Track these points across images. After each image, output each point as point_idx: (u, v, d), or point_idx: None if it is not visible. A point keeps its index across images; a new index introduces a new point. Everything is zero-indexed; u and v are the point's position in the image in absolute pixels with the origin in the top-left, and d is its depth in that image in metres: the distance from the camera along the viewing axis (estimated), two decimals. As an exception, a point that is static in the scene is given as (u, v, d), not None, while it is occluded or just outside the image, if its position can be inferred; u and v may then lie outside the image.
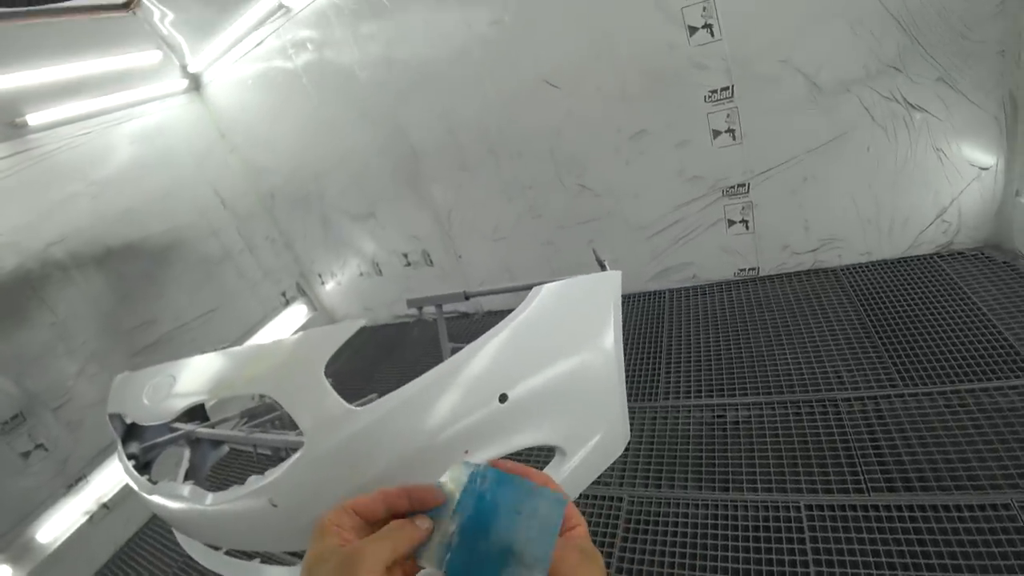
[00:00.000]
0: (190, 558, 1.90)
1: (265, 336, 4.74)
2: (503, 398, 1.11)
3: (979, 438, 1.98)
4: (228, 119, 4.62)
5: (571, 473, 1.24)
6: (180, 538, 1.93)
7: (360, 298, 5.13)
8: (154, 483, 1.75)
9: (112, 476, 3.47)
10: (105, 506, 3.40)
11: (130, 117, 4.00)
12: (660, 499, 2.20)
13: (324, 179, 4.43)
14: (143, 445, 2.06)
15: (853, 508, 1.90)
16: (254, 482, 1.26)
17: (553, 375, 1.21)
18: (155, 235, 4.04)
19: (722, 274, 3.49)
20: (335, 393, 1.14)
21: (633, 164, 3.27)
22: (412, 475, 1.13)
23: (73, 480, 3.32)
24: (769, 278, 3.34)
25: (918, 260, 3.00)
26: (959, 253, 2.93)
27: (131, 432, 2.04)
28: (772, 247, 3.27)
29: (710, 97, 2.94)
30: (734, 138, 3.01)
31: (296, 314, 5.15)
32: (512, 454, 1.16)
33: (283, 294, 5.07)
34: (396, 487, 0.62)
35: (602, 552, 2.07)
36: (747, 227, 3.24)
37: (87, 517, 3.33)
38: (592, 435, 1.30)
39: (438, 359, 2.19)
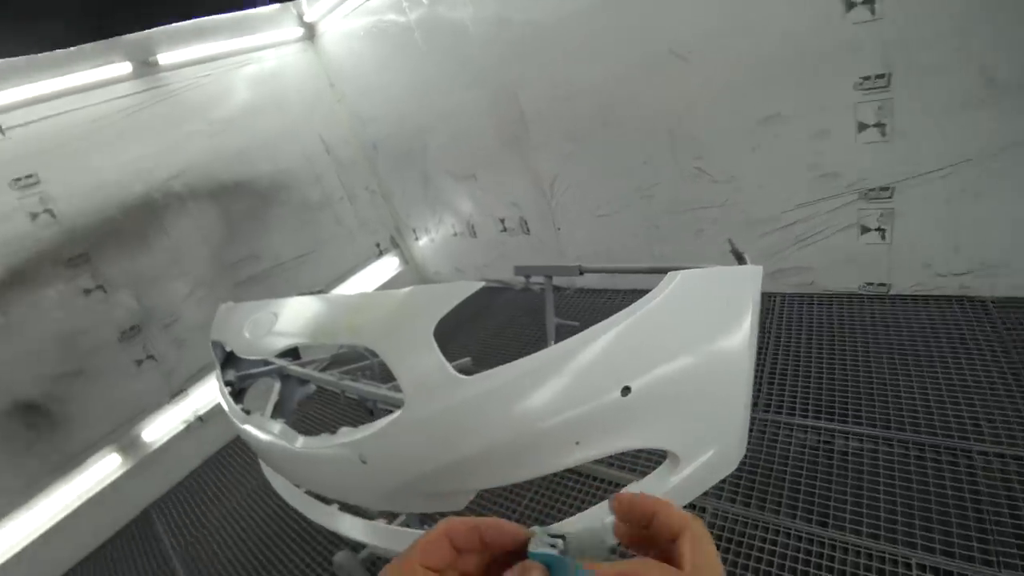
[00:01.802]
0: (269, 485, 1.97)
1: (356, 285, 4.88)
2: (626, 391, 0.99)
3: None
4: (338, 69, 4.68)
5: (679, 484, 1.11)
6: (264, 467, 2.00)
7: (451, 258, 5.14)
8: (247, 413, 1.80)
9: (207, 394, 3.77)
10: (200, 419, 3.70)
11: (248, 62, 4.19)
12: (747, 519, 2.02)
13: (427, 135, 4.41)
14: (239, 373, 2.14)
15: (976, 579, 1.66)
16: (346, 434, 1.24)
17: (681, 373, 1.07)
18: (263, 176, 4.24)
19: (845, 285, 3.13)
20: (443, 357, 1.07)
21: (760, 151, 2.97)
22: (514, 458, 1.05)
23: (176, 391, 3.67)
24: (901, 297, 2.96)
25: (1096, 302, 2.55)
26: None
27: (229, 359, 2.13)
28: (910, 263, 2.88)
29: (861, 84, 2.57)
30: (883, 134, 2.63)
31: (387, 266, 5.26)
32: (622, 454, 1.05)
33: (377, 245, 5.18)
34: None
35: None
36: (883, 237, 2.87)
37: (184, 426, 3.68)
38: (709, 446, 1.15)
39: (526, 329, 2.11)
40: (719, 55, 2.86)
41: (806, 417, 2.39)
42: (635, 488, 1.13)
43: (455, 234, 4.88)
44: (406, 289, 1.23)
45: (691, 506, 2.12)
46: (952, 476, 1.97)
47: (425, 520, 1.97)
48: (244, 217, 4.11)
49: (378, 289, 5.00)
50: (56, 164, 3.20)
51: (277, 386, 2.22)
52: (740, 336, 1.19)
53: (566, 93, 3.43)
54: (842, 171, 2.82)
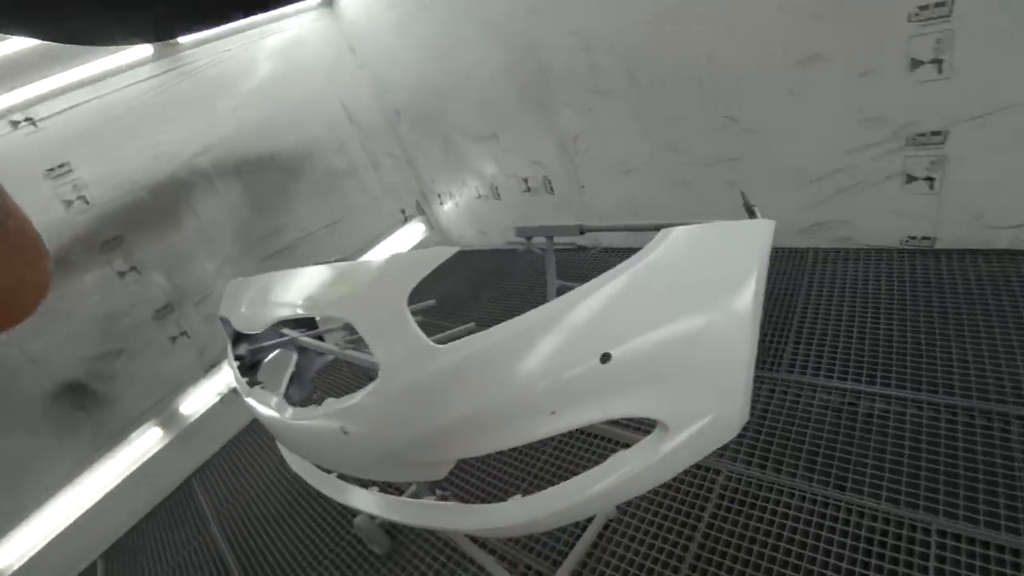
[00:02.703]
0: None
1: (382, 252, 4.92)
2: (605, 357, 0.96)
3: None
4: (358, 34, 4.57)
5: (670, 453, 1.08)
6: (277, 440, 2.07)
7: (476, 221, 5.10)
8: (252, 385, 1.87)
9: (240, 367, 3.93)
10: (233, 391, 3.87)
11: (270, 32, 4.16)
12: (762, 481, 1.99)
13: (448, 97, 4.30)
14: (252, 347, 2.19)
15: (1000, 548, 1.57)
16: (329, 405, 1.26)
17: (670, 338, 1.02)
18: (287, 147, 4.26)
19: (886, 240, 2.94)
20: (416, 326, 1.05)
21: (798, 96, 2.76)
22: (490, 428, 1.04)
23: (209, 366, 3.84)
24: (947, 252, 2.76)
25: None
26: None
27: (242, 334, 2.18)
28: (960, 215, 2.66)
29: (917, 15, 2.32)
30: (940, 71, 2.39)
31: (414, 232, 5.28)
32: (608, 422, 1.03)
33: (402, 211, 5.19)
34: None
35: (686, 524, 1.96)
36: (931, 186, 2.65)
37: (219, 398, 3.86)
38: (704, 413, 1.10)
39: (544, 296, 2.07)
40: (754, -10, 2.63)
41: (831, 378, 2.30)
42: (623, 457, 1.11)
43: (479, 197, 4.82)
44: (382, 258, 1.22)
45: (703, 468, 2.11)
46: (985, 441, 1.87)
47: (434, 488, 2.02)
48: (270, 190, 4.15)
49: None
50: (86, 151, 3.28)
51: (294, 357, 2.27)
52: (743, 297, 1.12)
53: (587, 45, 3.26)
54: (889, 115, 2.60)
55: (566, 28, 3.28)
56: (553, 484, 1.12)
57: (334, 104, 4.58)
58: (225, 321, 2.12)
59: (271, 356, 2.40)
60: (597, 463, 1.10)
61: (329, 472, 1.80)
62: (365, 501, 1.60)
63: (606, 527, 2.04)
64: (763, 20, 2.67)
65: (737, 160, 3.13)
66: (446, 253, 1.10)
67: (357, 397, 1.16)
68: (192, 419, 3.72)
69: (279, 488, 3.11)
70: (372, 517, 2.35)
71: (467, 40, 3.82)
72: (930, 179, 2.64)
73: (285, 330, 2.14)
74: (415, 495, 2.16)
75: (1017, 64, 2.23)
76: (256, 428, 3.79)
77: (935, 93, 2.44)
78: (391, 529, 2.42)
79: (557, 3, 3.25)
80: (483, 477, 2.50)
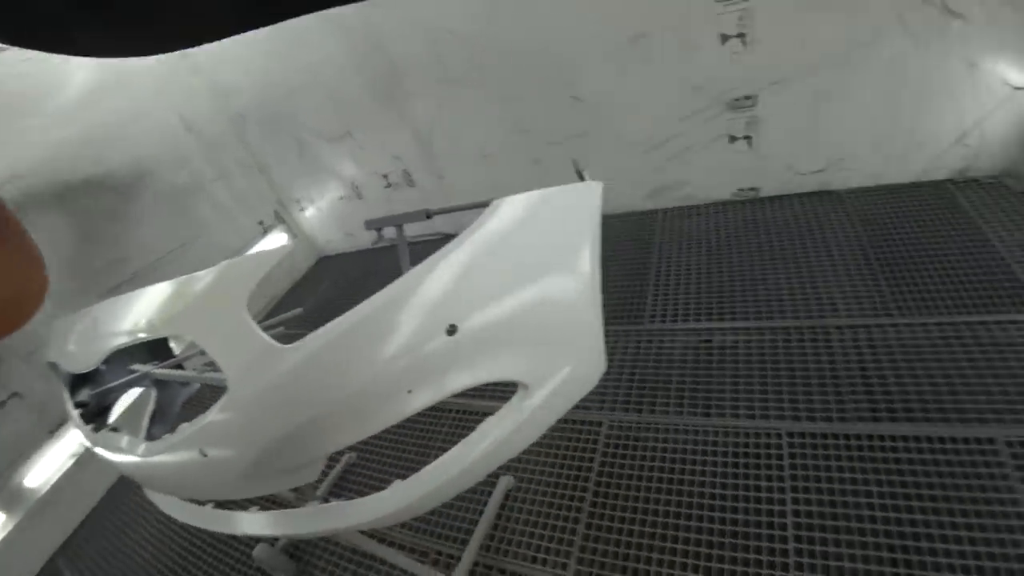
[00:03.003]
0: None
1: None
2: (451, 330, 0.99)
3: (971, 371, 1.91)
4: None
5: (535, 411, 1.15)
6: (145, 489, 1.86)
7: (341, 223, 4.92)
8: (96, 431, 1.68)
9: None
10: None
11: None
12: (640, 424, 2.16)
13: (296, 97, 4.08)
14: (96, 391, 1.95)
15: (835, 436, 1.86)
16: (183, 430, 1.17)
17: (514, 303, 1.07)
18: (118, 168, 3.76)
19: (720, 194, 3.31)
20: (259, 330, 1.02)
21: (630, 72, 3.00)
22: (350, 418, 1.03)
23: (55, 426, 3.23)
24: (770, 199, 3.17)
25: (930, 186, 2.82)
26: (975, 180, 2.74)
27: (84, 377, 1.93)
28: (775, 166, 3.07)
29: (722, -5, 2.63)
30: (744, 43, 2.72)
31: (276, 242, 4.97)
32: (470, 391, 1.06)
33: (260, 223, 4.85)
34: None
35: (579, 477, 2.07)
36: (750, 144, 3.02)
37: (74, 460, 3.28)
38: (560, 368, 1.18)
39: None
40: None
41: (688, 321, 2.55)
42: (492, 422, 1.15)
43: (341, 198, 4.67)
44: (216, 267, 1.16)
45: (587, 422, 2.24)
46: (812, 352, 2.18)
47: (338, 495, 1.95)
48: (103, 216, 3.61)
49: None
50: None
51: (152, 394, 2.06)
52: (580, 256, 1.20)
53: (431, 35, 3.29)
54: (708, 84, 2.91)
55: (408, 19, 3.28)
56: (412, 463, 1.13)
57: (168, 115, 4.13)
58: (54, 366, 1.87)
59: (125, 397, 2.15)
60: (451, 434, 1.13)
61: (203, 504, 1.67)
62: (248, 523, 1.50)
63: (507, 496, 2.10)
64: (593, 2, 2.85)
65: (584, 136, 3.33)
66: (279, 253, 1.08)
67: (209, 415, 1.08)
68: (43, 491, 3.14)
69: (165, 542, 2.78)
70: (271, 544, 2.22)
71: (309, 36, 3.65)
72: (748, 137, 3.00)
73: (136, 365, 1.94)
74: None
75: (800, 39, 2.60)
76: (128, 482, 3.37)
77: (743, 62, 2.77)
78: (294, 552, 2.30)
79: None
80: (369, 475, 2.47)
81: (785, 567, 1.58)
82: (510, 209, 1.09)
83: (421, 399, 1.03)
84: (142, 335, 1.35)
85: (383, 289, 1.00)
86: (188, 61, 4.16)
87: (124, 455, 1.47)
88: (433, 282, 1.00)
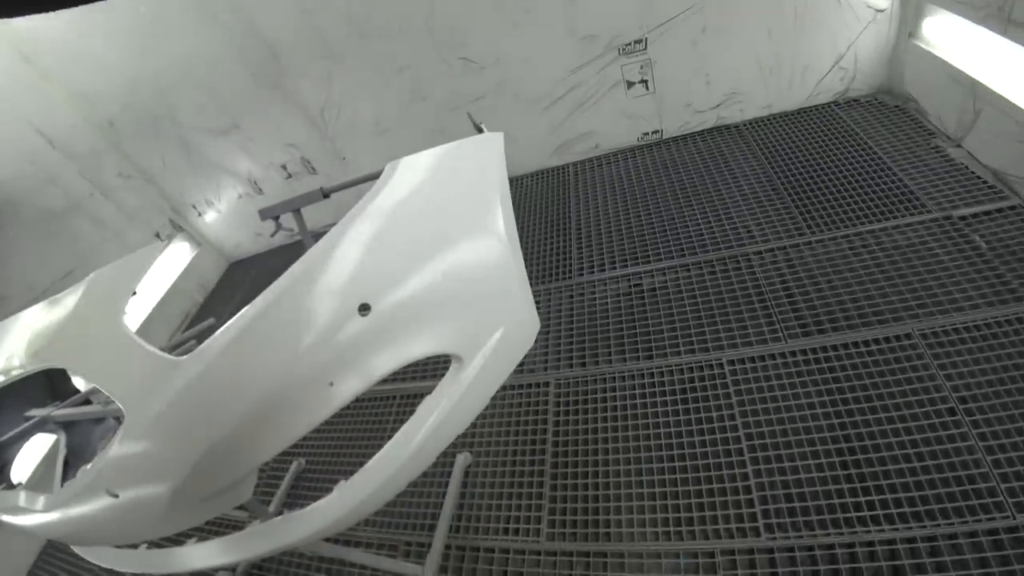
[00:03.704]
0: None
1: (146, 288, 4.10)
2: (364, 309, 0.89)
3: (880, 275, 2.03)
4: (26, 38, 3.49)
5: (474, 380, 1.05)
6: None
7: (246, 223, 4.49)
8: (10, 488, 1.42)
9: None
10: None
11: None
12: (586, 377, 2.13)
13: (170, 95, 3.61)
14: None
15: (772, 357, 1.92)
16: (84, 473, 0.99)
17: (429, 270, 0.97)
18: None
19: (626, 140, 3.32)
20: (145, 344, 0.87)
21: (520, 27, 2.90)
22: (271, 424, 0.89)
23: None
24: (673, 140, 3.21)
25: (817, 110, 2.97)
26: (855, 100, 2.92)
27: None
28: (674, 107, 3.11)
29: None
30: (626, -14, 2.71)
31: (179, 253, 4.50)
32: (411, 372, 0.95)
33: (157, 235, 4.35)
34: None
35: (535, 437, 2.00)
36: (647, 87, 3.03)
37: None
38: (492, 333, 1.08)
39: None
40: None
41: (615, 268, 2.54)
42: (430, 402, 1.05)
43: (240, 196, 4.27)
44: (83, 281, 0.98)
45: (534, 384, 2.18)
46: (738, 280, 2.23)
47: (292, 505, 1.77)
48: None
49: (176, 282, 4.30)
50: None
51: (60, 438, 1.77)
52: (491, 210, 1.10)
53: (306, 7, 3.01)
54: (599, 31, 2.87)
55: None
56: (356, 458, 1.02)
57: (24, 131, 3.55)
58: None
59: (28, 448, 1.84)
60: (392, 420, 1.03)
61: (136, 546, 1.46)
62: (194, 557, 1.32)
63: (467, 474, 2.01)
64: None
65: (482, 98, 3.21)
66: (152, 253, 0.92)
67: (109, 451, 0.92)
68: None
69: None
70: (231, 572, 2.01)
71: (173, 24, 3.22)
72: (644, 81, 3.01)
73: (32, 412, 1.66)
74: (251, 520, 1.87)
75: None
76: (53, 546, 2.90)
77: (628, 6, 2.75)
78: (258, 572, 2.10)
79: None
80: (321, 478, 2.29)
81: (747, 490, 1.61)
82: (409, 170, 0.98)
83: (346, 390, 0.92)
84: (16, 373, 1.13)
85: (281, 276, 0.87)
86: (34, 67, 3.55)
87: (27, 515, 1.25)
88: (336, 260, 0.89)
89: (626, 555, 1.60)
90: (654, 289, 2.35)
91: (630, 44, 2.89)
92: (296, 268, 0.87)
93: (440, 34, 2.98)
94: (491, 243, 1.05)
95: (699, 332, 2.10)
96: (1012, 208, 2.05)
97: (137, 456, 0.92)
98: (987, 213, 2.07)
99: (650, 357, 2.09)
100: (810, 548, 1.46)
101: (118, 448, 0.92)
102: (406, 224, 0.94)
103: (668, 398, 1.93)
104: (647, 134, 3.25)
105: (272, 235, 1.84)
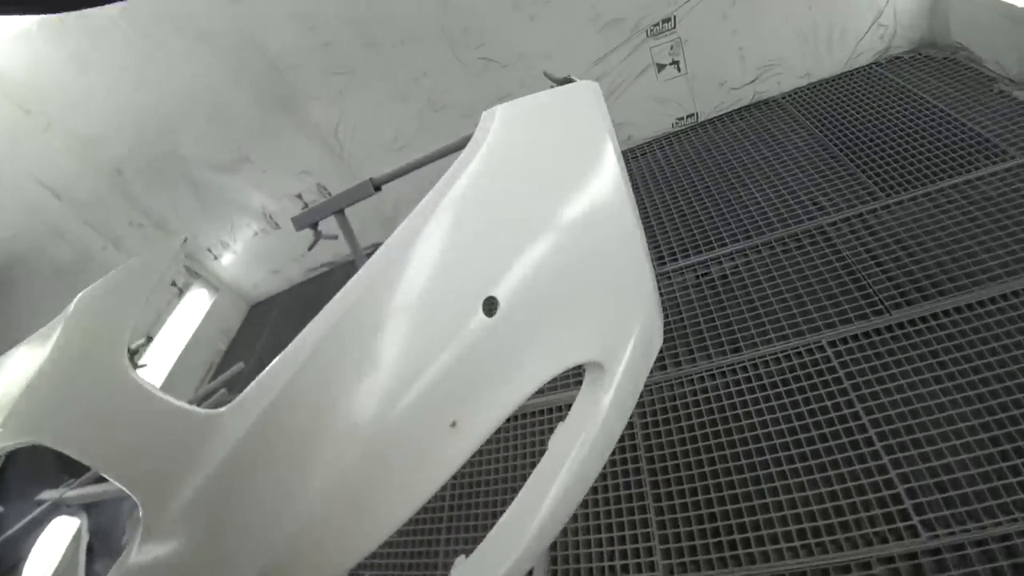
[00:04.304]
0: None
1: (165, 340, 3.91)
2: (490, 305, 0.64)
3: (978, 230, 1.83)
4: (25, 87, 3.37)
5: (615, 395, 0.82)
6: None
7: (264, 261, 4.31)
8: None
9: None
10: None
11: None
12: (671, 380, 1.92)
13: (173, 130, 3.46)
14: None
15: (878, 332, 1.71)
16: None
17: (558, 243, 0.74)
18: None
19: (660, 128, 3.14)
20: (161, 395, 0.61)
21: (539, 19, 2.75)
22: (366, 499, 0.62)
23: None
24: (710, 121, 3.04)
25: (859, 72, 2.80)
26: (897, 58, 2.75)
27: None
28: (708, 86, 2.94)
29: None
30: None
31: (197, 301, 4.33)
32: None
33: (173, 284, 4.20)
34: None
35: (626, 456, 1.75)
36: (679, 69, 2.87)
37: None
38: (631, 328, 0.86)
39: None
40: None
41: (675, 260, 2.34)
42: (564, 434, 0.81)
43: (256, 234, 4.10)
44: (62, 314, 0.74)
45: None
46: (819, 255, 2.03)
47: None
48: None
49: (196, 332, 4.12)
50: None
51: (80, 523, 1.56)
52: (607, 167, 0.92)
53: (312, 23, 2.88)
54: (624, 14, 2.72)
55: (280, 12, 2.85)
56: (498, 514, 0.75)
57: (27, 183, 3.43)
58: None
59: (44, 537, 1.63)
60: (536, 452, 0.78)
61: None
62: None
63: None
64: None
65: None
66: (163, 253, 0.73)
67: (128, 559, 0.63)
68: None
69: None
70: None
71: (172, 54, 3.08)
72: (675, 62, 2.85)
73: (44, 495, 1.47)
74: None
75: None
76: None
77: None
78: None
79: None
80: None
81: (890, 484, 1.39)
82: (509, 115, 0.79)
83: (474, 429, 0.65)
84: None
85: (361, 269, 0.64)
86: (35, 119, 3.41)
87: None
88: (438, 239, 0.64)
89: (763, 579, 1.39)
90: (725, 276, 2.15)
91: (658, 24, 2.73)
92: (380, 256, 0.62)
93: (456, 34, 2.84)
94: (614, 207, 0.87)
95: (788, 315, 1.89)
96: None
97: (162, 567, 0.62)
98: (1081, 148, 1.88)
99: (737, 350, 1.89)
100: (982, 542, 1.25)
101: (135, 558, 0.61)
102: (521, 182, 0.74)
103: (770, 392, 1.72)
104: (681, 119, 3.08)
105: (310, 248, 1.62)
